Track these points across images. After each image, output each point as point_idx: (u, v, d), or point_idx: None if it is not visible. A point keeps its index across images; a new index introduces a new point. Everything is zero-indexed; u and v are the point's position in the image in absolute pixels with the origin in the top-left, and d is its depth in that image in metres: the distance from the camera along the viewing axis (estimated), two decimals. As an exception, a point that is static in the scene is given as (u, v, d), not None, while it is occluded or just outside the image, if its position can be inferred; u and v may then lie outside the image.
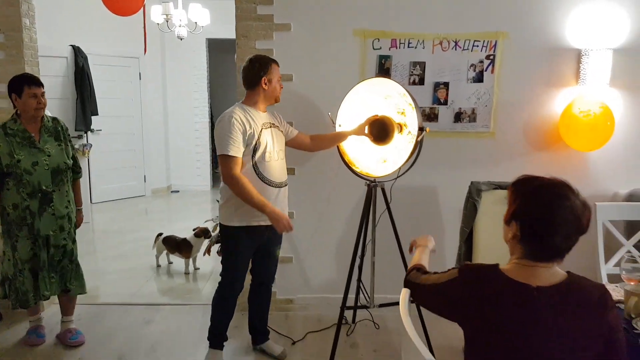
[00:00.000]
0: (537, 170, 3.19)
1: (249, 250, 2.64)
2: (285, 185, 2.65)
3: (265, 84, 2.51)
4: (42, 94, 2.72)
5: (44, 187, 2.70)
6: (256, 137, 2.45)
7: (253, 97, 2.54)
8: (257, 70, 2.50)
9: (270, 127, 2.57)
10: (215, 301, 2.72)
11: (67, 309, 3.02)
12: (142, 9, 3.67)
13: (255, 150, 2.45)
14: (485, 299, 1.27)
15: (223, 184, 2.51)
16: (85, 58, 6.18)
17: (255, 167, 2.47)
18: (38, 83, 2.71)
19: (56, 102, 5.78)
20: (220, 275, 2.68)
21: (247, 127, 2.43)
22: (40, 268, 2.77)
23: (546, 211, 1.26)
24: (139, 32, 6.60)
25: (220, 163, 2.45)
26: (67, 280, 2.89)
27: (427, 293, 1.48)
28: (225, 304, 2.70)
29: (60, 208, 2.78)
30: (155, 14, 5.65)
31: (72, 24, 6.20)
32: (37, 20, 3.40)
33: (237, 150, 2.40)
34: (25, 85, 2.66)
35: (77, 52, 6.10)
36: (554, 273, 1.29)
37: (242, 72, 2.56)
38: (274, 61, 2.57)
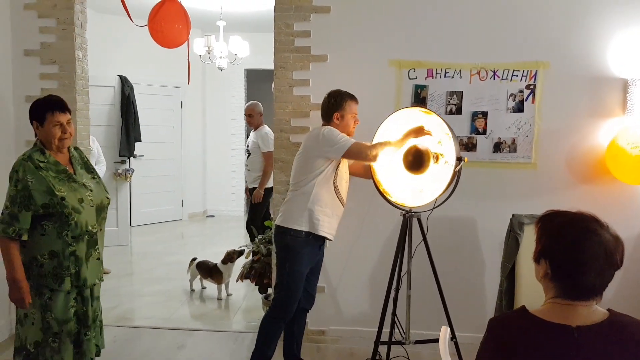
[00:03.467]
0: (582, 203, 3.05)
1: (308, 264, 2.69)
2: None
3: (338, 119, 2.68)
4: (69, 122, 2.29)
5: (90, 228, 2.28)
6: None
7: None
8: (332, 106, 2.69)
9: None
10: (266, 323, 2.68)
11: None
12: (186, 41, 3.82)
13: (336, 169, 2.65)
14: (521, 349, 1.19)
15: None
16: (131, 87, 6.45)
17: (334, 183, 2.66)
18: (63, 108, 2.28)
19: (103, 129, 6.03)
20: (274, 293, 2.64)
21: None
22: (87, 327, 2.31)
23: (574, 248, 1.20)
24: (182, 63, 6.83)
25: (354, 152, 2.59)
26: (99, 339, 2.45)
27: None
28: (278, 326, 2.68)
29: (102, 251, 2.39)
30: (198, 46, 5.87)
31: (120, 55, 6.52)
32: (88, 52, 3.59)
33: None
34: (47, 112, 2.24)
35: (124, 81, 6.38)
36: (594, 311, 1.21)
37: (321, 104, 2.78)
38: (351, 97, 2.71)
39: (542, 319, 1.20)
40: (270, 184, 4.65)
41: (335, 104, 2.69)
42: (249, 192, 4.97)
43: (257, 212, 4.92)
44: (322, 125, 2.71)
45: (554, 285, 1.24)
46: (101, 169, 4.91)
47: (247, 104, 5.25)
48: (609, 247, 1.20)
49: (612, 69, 3.03)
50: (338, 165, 2.66)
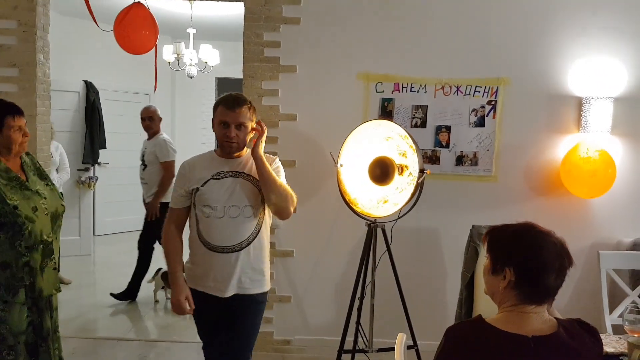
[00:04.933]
0: (539, 215, 3.18)
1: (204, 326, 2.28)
2: (247, 246, 2.12)
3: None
4: (25, 125, 2.25)
5: (45, 237, 2.19)
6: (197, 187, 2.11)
7: None
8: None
9: (230, 176, 2.14)
10: None
11: None
12: (153, 48, 3.79)
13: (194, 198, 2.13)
14: (479, 356, 1.23)
15: None
16: (97, 93, 6.33)
17: (197, 220, 2.14)
18: (21, 112, 2.24)
19: (66, 134, 5.88)
20: None
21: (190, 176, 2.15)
22: (44, 338, 2.22)
23: (538, 250, 1.27)
24: (150, 69, 6.75)
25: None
26: (61, 350, 2.39)
27: None
28: None
29: (58, 260, 2.32)
30: (167, 52, 5.82)
31: (85, 60, 6.39)
32: (52, 56, 3.52)
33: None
34: (8, 116, 2.17)
35: (89, 87, 6.26)
36: (546, 320, 1.27)
37: None
38: (220, 103, 2.16)
39: (499, 329, 1.24)
40: (168, 197, 4.23)
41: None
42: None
43: (151, 229, 4.28)
44: None
45: (515, 293, 1.27)
46: (62, 177, 4.75)
47: (146, 106, 4.71)
48: (561, 246, 1.28)
49: (569, 87, 3.18)
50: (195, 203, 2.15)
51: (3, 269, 2.12)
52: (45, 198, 2.25)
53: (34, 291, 2.17)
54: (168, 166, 4.35)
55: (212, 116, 2.18)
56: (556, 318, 1.29)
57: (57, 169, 4.76)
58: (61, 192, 4.11)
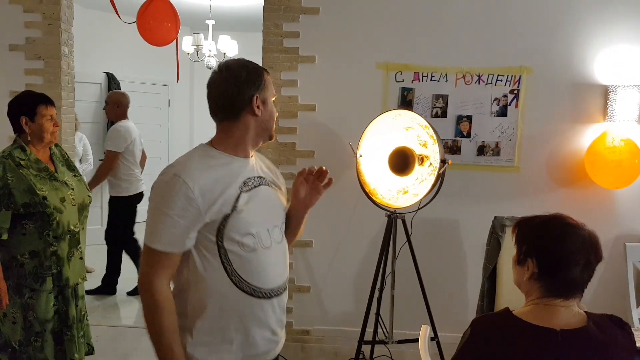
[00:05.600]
0: (562, 206, 3.11)
1: None
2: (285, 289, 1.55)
3: (258, 107, 1.45)
4: (55, 115, 2.32)
5: (72, 227, 2.25)
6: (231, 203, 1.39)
7: (232, 131, 1.49)
8: (243, 85, 1.44)
9: (260, 184, 1.51)
10: None
11: None
12: (175, 39, 3.81)
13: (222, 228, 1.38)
14: (505, 351, 1.22)
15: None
16: (118, 84, 6.41)
17: (225, 261, 1.39)
18: (52, 102, 2.31)
19: (88, 125, 5.98)
20: None
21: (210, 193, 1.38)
22: (69, 327, 2.27)
23: (560, 243, 1.25)
24: (170, 61, 6.79)
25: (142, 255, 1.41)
26: (89, 337, 2.45)
27: None
28: None
29: (84, 249, 2.36)
30: (186, 44, 5.85)
31: (107, 52, 6.46)
32: (75, 48, 3.57)
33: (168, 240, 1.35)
34: (41, 104, 2.23)
35: (110, 78, 6.34)
36: (575, 314, 1.25)
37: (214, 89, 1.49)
38: (266, 70, 1.54)
39: (526, 322, 1.23)
40: (129, 191, 4.15)
41: (249, 81, 1.47)
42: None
43: (113, 222, 4.26)
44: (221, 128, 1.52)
45: (539, 285, 1.26)
46: (86, 168, 4.85)
47: (115, 91, 4.48)
48: (590, 240, 1.25)
49: (594, 76, 3.09)
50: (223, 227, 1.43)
51: (31, 258, 2.18)
52: (72, 189, 2.31)
53: (61, 280, 2.23)
54: (108, 156, 4.06)
55: (248, 92, 1.43)
56: (586, 312, 1.27)
57: (80, 160, 4.87)
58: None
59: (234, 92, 1.43)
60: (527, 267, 1.28)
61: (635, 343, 1.28)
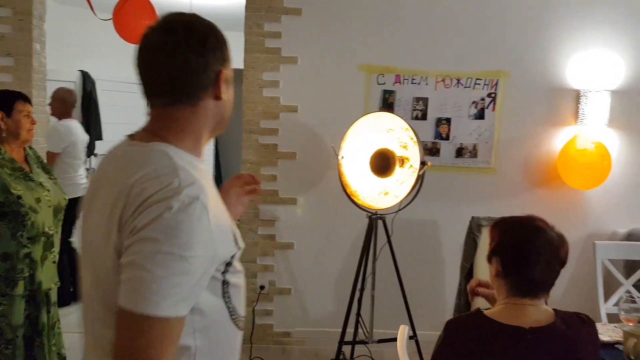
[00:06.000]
0: (536, 207, 3.22)
1: None
2: None
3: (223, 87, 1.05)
4: (32, 113, 2.27)
5: (46, 229, 2.17)
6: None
7: (190, 122, 1.04)
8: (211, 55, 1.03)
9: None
10: None
11: None
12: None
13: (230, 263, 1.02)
14: (477, 350, 1.26)
15: None
16: (94, 83, 6.28)
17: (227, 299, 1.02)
18: (29, 100, 2.27)
19: (61, 125, 5.83)
20: None
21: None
22: (39, 332, 2.17)
23: (523, 241, 1.30)
24: (146, 60, 6.70)
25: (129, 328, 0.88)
26: (62, 346, 2.36)
27: None
28: None
29: (57, 254, 2.27)
30: (164, 42, 5.76)
31: (82, 49, 6.31)
32: (48, 45, 3.48)
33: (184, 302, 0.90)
34: (19, 100, 2.19)
35: (85, 77, 6.20)
36: (543, 311, 1.30)
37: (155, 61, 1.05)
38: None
39: (497, 321, 1.27)
40: (76, 193, 3.83)
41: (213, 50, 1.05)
42: None
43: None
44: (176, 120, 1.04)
45: (505, 283, 1.32)
46: None
47: (61, 87, 4.20)
48: (554, 243, 1.30)
49: (567, 80, 3.20)
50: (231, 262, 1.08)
51: (4, 260, 2.08)
52: (48, 190, 2.24)
53: (33, 284, 2.15)
54: (47, 157, 3.76)
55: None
56: (554, 309, 1.32)
57: None
58: None
59: (200, 64, 0.99)
60: (493, 265, 1.34)
61: (598, 338, 1.34)
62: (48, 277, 2.19)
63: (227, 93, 1.05)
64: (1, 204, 2.05)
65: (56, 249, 2.25)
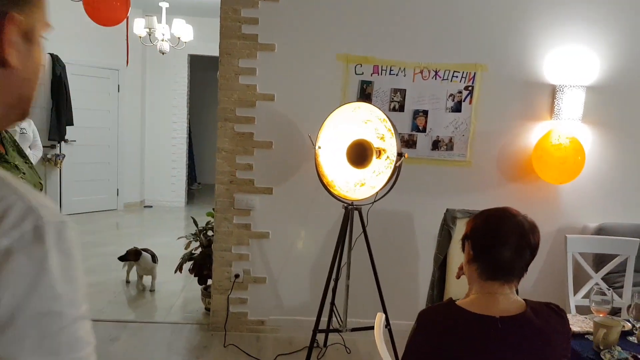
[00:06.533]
0: (510, 200, 3.25)
1: None
2: None
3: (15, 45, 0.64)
4: None
5: None
6: None
7: None
8: None
9: None
10: None
11: None
12: (125, 20, 3.65)
13: None
14: (449, 339, 1.27)
15: None
16: (64, 67, 6.09)
17: None
18: None
19: (32, 111, 5.65)
20: None
21: None
22: None
23: (492, 225, 1.33)
24: (120, 44, 6.53)
25: None
26: None
27: None
28: None
29: None
30: (138, 26, 5.63)
31: (51, 31, 6.11)
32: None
33: None
34: None
35: (55, 60, 6.01)
36: (513, 301, 1.31)
37: None
38: None
39: (468, 311, 1.28)
40: None
41: None
42: None
43: None
44: None
45: (476, 267, 1.33)
46: (36, 154, 4.64)
47: None
48: (524, 227, 1.32)
49: (543, 75, 3.24)
50: None
51: None
52: (24, 173, 2.22)
53: None
54: None
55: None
56: (525, 300, 1.33)
57: (29, 146, 4.63)
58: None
59: None
60: (465, 250, 1.37)
61: (570, 328, 1.36)
62: None
63: (27, 56, 0.66)
64: None
65: None
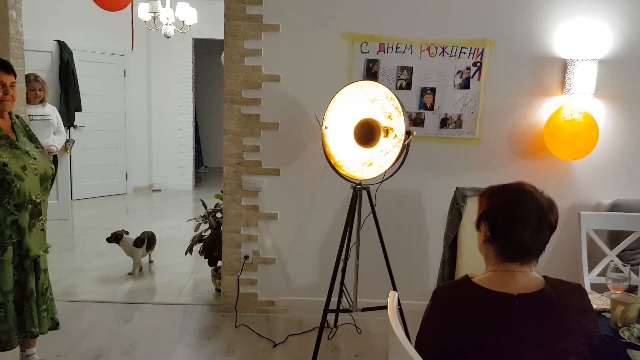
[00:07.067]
0: (521, 177, 3.19)
1: None
2: None
3: None
4: (12, 84, 2.23)
5: (33, 197, 2.22)
6: None
7: None
8: None
9: None
10: None
11: (31, 341, 2.46)
12: (130, 5, 3.62)
13: None
14: (465, 316, 1.24)
15: None
16: (71, 53, 6.09)
17: None
18: (8, 69, 2.21)
19: (38, 96, 5.66)
20: None
21: None
22: (27, 298, 2.27)
23: (511, 205, 1.28)
24: (125, 29, 6.52)
25: None
26: (54, 312, 2.46)
27: (421, 343, 1.32)
28: None
29: (45, 222, 2.33)
30: (143, 11, 5.58)
31: (58, 18, 6.10)
32: (23, 13, 3.33)
33: None
34: None
35: (62, 47, 6.01)
36: (532, 279, 1.28)
37: None
38: None
39: (485, 287, 1.26)
40: None
41: None
42: None
43: None
44: None
45: (493, 249, 1.29)
46: (60, 139, 4.72)
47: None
48: (543, 206, 1.28)
49: (555, 50, 3.16)
50: None
51: None
52: (35, 159, 2.28)
53: (22, 250, 2.22)
54: None
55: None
56: (544, 276, 1.30)
57: (54, 132, 4.71)
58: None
59: None
60: (482, 231, 1.32)
61: (591, 305, 1.31)
62: (36, 244, 2.27)
63: None
64: None
65: (44, 217, 2.32)
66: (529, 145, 3.25)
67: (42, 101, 4.52)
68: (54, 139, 4.65)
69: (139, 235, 4.12)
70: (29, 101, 4.33)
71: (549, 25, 3.13)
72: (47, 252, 2.39)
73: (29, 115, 4.22)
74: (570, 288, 1.30)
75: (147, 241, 4.11)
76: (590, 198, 3.30)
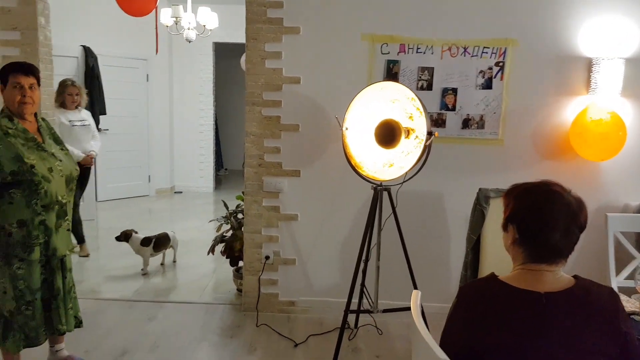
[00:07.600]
0: (546, 178, 3.15)
1: None
2: None
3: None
4: (32, 86, 2.23)
5: (60, 198, 2.27)
6: None
7: None
8: None
9: None
10: None
11: (59, 337, 2.54)
12: (154, 10, 3.69)
13: None
14: (491, 314, 1.23)
15: None
16: (96, 58, 6.23)
17: None
18: (27, 71, 2.22)
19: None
20: None
21: None
22: (54, 297, 2.33)
23: (540, 207, 1.26)
24: (148, 34, 6.62)
25: None
26: (77, 310, 2.52)
27: (446, 341, 1.31)
28: None
29: (71, 222, 2.41)
30: (165, 16, 5.68)
31: (83, 24, 6.25)
32: (50, 19, 3.43)
33: None
34: (10, 73, 2.20)
35: (87, 52, 6.15)
36: (560, 278, 1.26)
37: None
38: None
39: (511, 285, 1.24)
40: None
41: None
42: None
43: None
44: None
45: (522, 250, 1.28)
46: (97, 144, 4.78)
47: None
48: (572, 207, 1.26)
49: (580, 48, 3.11)
50: None
51: (20, 227, 2.20)
52: (60, 160, 2.34)
53: (48, 249, 2.27)
54: None
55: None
56: (574, 276, 1.28)
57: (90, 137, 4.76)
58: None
59: None
60: (510, 232, 1.30)
61: (622, 306, 1.27)
62: (63, 243, 2.33)
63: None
64: (15, 172, 2.15)
65: (70, 217, 2.38)
66: (554, 146, 3.20)
67: (77, 106, 4.55)
68: (92, 144, 4.65)
69: (155, 235, 4.19)
70: (66, 106, 4.36)
71: (573, 23, 3.08)
72: (73, 252, 2.45)
73: (69, 121, 4.29)
74: (602, 290, 1.27)
75: (155, 241, 4.17)
76: (617, 199, 3.22)
